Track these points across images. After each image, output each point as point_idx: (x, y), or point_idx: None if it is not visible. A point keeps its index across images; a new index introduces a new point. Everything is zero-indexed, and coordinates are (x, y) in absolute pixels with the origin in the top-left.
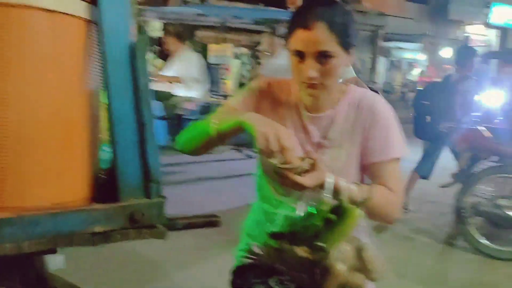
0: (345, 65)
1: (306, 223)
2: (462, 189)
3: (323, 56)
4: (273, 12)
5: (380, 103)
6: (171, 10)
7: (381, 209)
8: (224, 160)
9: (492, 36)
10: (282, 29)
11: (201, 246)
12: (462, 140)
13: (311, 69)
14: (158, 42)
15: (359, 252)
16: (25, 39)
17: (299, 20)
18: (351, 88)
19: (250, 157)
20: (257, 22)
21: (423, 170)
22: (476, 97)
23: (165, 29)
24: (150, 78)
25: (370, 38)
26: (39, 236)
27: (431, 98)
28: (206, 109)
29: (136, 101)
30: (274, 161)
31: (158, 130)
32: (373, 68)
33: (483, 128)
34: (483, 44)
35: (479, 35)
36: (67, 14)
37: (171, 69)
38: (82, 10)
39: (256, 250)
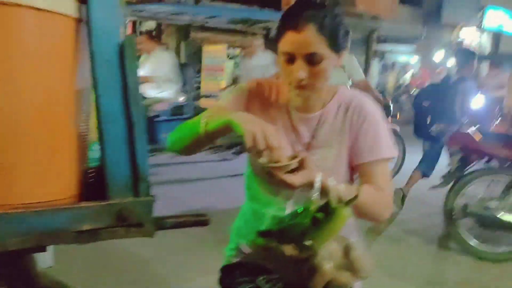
0: (335, 67)
1: (294, 221)
2: (452, 191)
3: (312, 58)
4: (251, 12)
5: (369, 104)
6: (155, 9)
7: (369, 208)
8: (218, 161)
9: (485, 40)
10: (260, 29)
11: (192, 245)
12: (452, 142)
13: (300, 70)
14: None
15: (346, 251)
16: (12, 37)
17: (289, 22)
18: (341, 89)
19: (225, 159)
20: (234, 22)
21: (425, 169)
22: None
23: (140, 28)
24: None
25: (364, 41)
26: (25, 234)
27: (432, 99)
28: (177, 110)
29: (125, 100)
30: (263, 160)
31: None
32: (366, 71)
33: (473, 130)
34: (476, 48)
35: (472, 39)
36: (55, 12)
37: (143, 69)
38: (71, 8)
39: (245, 249)
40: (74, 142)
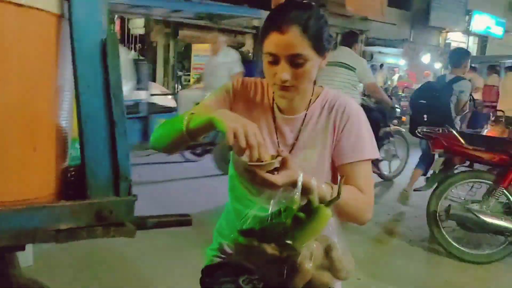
0: (318, 68)
1: (275, 221)
2: (436, 193)
3: (296, 60)
4: (216, 7)
5: (352, 105)
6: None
7: (351, 209)
8: (181, 162)
9: (471, 44)
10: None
11: (177, 245)
12: (436, 145)
13: (284, 72)
14: (140, 39)
15: (328, 251)
16: None
17: (273, 23)
18: (325, 90)
19: (189, 160)
20: (199, 17)
21: (422, 167)
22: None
23: (128, 26)
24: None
25: None
26: (1, 232)
27: (428, 97)
28: (132, 108)
29: (106, 98)
30: (244, 158)
31: None
32: None
33: (457, 133)
34: None
35: (459, 42)
36: (36, 8)
37: None
38: (52, 4)
39: (227, 249)
40: (54, 139)
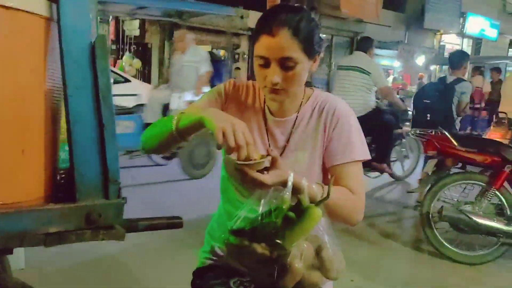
0: (309, 71)
1: (265, 220)
2: (429, 195)
3: (286, 62)
4: (184, 4)
5: (342, 107)
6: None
7: (341, 209)
8: (151, 166)
9: (466, 46)
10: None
11: (167, 247)
12: (428, 147)
13: (275, 75)
14: (136, 41)
15: (318, 250)
16: None
17: (264, 26)
18: (315, 92)
19: (158, 164)
20: (169, 15)
21: None
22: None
23: (123, 27)
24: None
25: (348, 44)
26: None
27: (431, 98)
28: None
29: (95, 100)
30: (233, 156)
31: None
32: None
33: (449, 135)
34: None
35: (454, 44)
36: (25, 11)
37: None
38: (41, 7)
39: (218, 251)
40: (42, 142)
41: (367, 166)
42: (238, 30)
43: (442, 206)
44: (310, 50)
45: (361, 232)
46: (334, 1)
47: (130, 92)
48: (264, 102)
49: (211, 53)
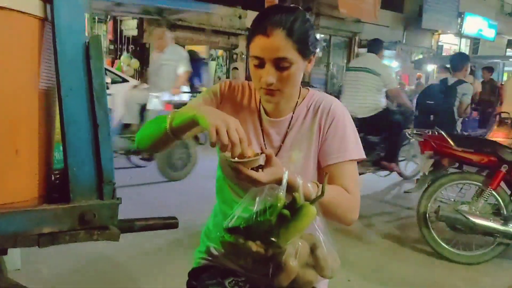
0: (305, 72)
1: (260, 218)
2: (425, 195)
3: (281, 63)
4: (162, 1)
5: (337, 106)
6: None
7: (336, 208)
8: (130, 167)
9: (463, 46)
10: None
11: (164, 247)
12: (425, 147)
13: (270, 75)
14: (134, 41)
15: (313, 249)
16: None
17: (259, 27)
18: (310, 92)
19: (138, 166)
20: (148, 12)
21: None
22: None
23: (121, 27)
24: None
25: (346, 44)
26: None
27: (434, 99)
28: None
29: (90, 101)
30: (227, 154)
31: None
32: None
33: (446, 135)
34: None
35: (451, 44)
36: (19, 11)
37: None
38: (35, 8)
39: (214, 252)
40: (36, 142)
41: (377, 165)
42: (236, 30)
43: (439, 206)
44: (304, 51)
45: (358, 232)
46: (332, 1)
47: None
48: (260, 102)
49: (190, 52)
